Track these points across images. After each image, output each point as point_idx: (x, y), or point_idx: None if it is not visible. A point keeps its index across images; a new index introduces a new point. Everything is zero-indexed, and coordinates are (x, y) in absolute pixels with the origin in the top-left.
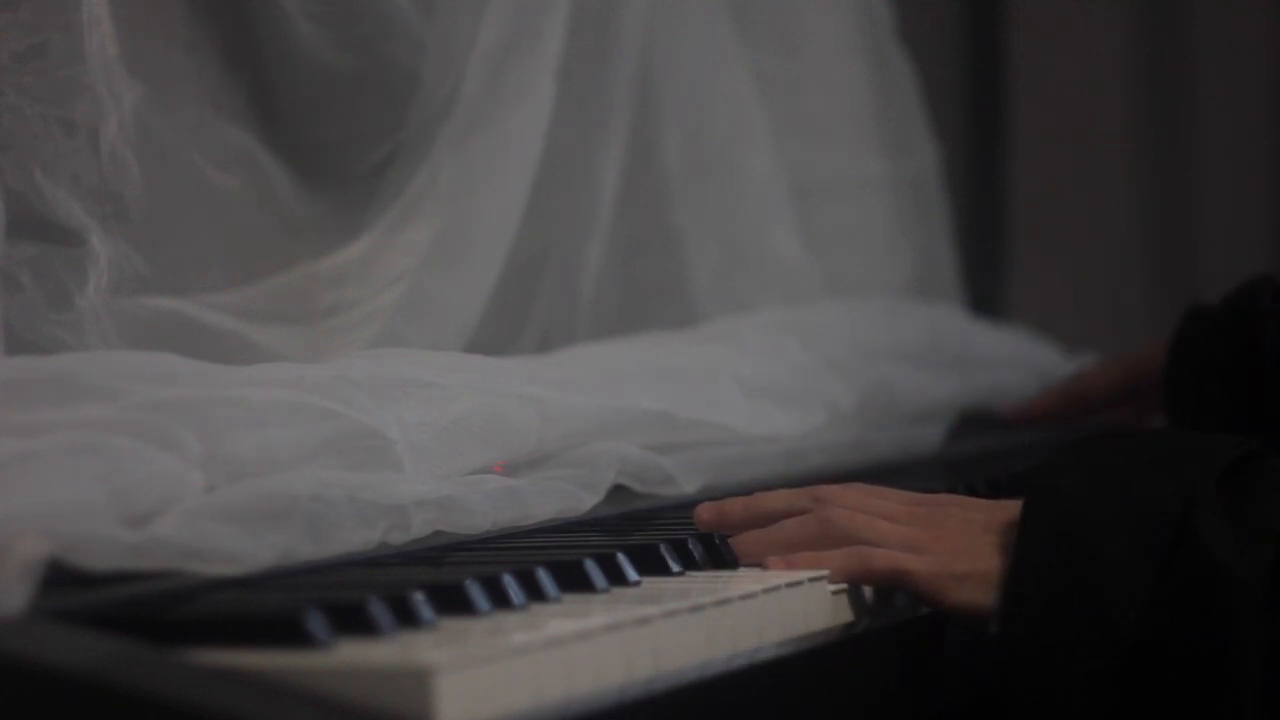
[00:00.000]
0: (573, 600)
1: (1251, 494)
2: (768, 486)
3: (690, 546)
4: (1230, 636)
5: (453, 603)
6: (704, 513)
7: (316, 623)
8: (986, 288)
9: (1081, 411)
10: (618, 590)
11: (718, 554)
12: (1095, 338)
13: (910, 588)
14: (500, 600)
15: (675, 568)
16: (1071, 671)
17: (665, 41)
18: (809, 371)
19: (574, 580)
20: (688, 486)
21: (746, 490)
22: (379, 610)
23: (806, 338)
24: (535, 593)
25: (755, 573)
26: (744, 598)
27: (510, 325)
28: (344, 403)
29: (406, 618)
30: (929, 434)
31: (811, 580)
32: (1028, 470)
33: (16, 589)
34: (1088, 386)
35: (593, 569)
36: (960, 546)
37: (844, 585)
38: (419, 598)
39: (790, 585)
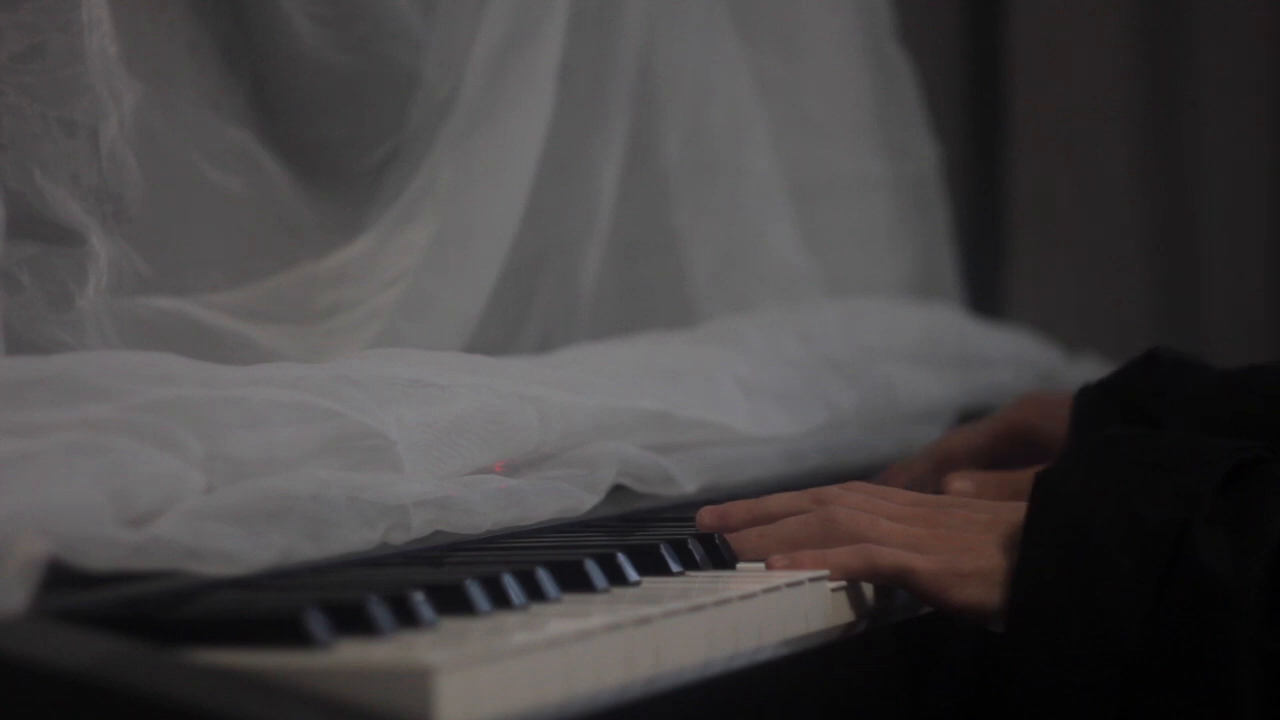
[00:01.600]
0: (573, 600)
1: (1251, 500)
2: (768, 487)
3: (690, 546)
4: (1226, 649)
5: (453, 603)
6: (706, 516)
7: (316, 623)
8: (986, 288)
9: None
10: (618, 590)
11: (718, 554)
12: (1095, 338)
13: (914, 587)
14: (500, 600)
15: (675, 568)
16: (1072, 681)
17: (665, 41)
18: (809, 371)
19: (574, 580)
20: (688, 486)
21: (747, 490)
22: (379, 610)
23: (806, 338)
24: (535, 593)
25: (755, 573)
26: (744, 598)
27: (510, 325)
28: (344, 403)
29: (406, 618)
30: (929, 434)
31: (812, 580)
32: (1032, 476)
33: (16, 589)
34: (951, 449)
35: (593, 569)
36: (964, 546)
37: (844, 584)
38: (419, 598)
39: (790, 585)
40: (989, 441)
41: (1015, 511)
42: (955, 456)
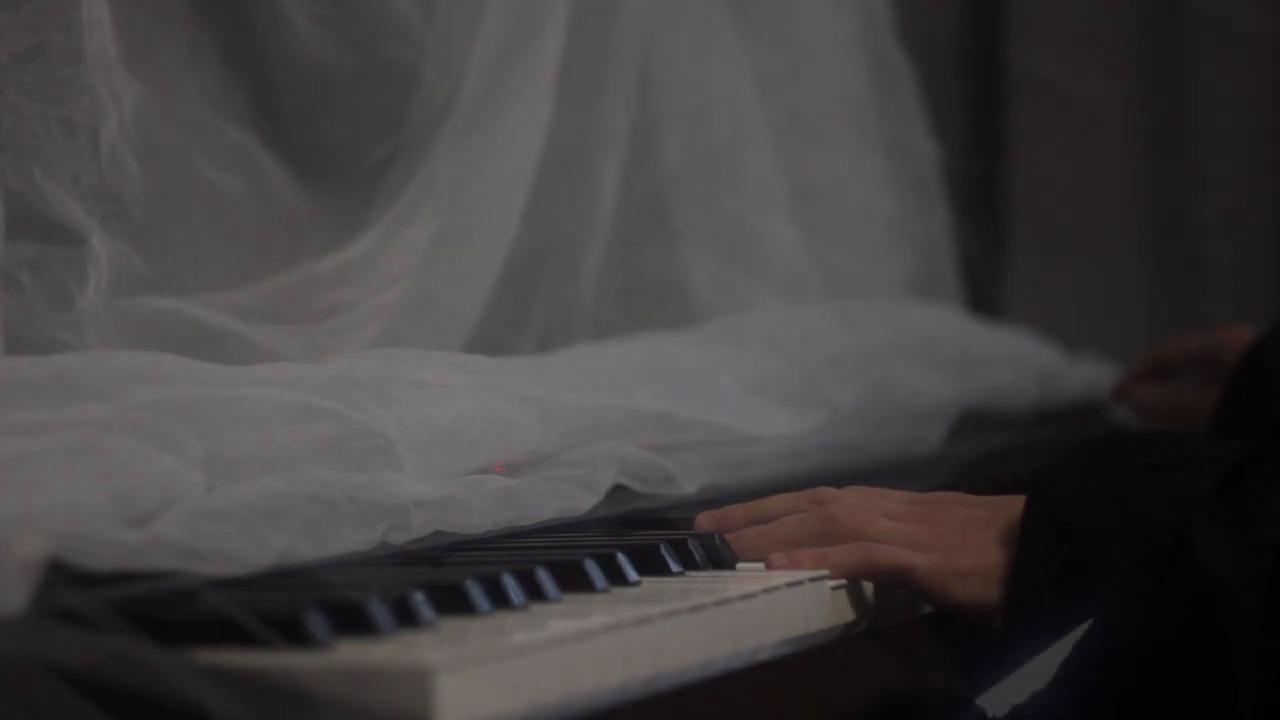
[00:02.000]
0: (573, 600)
1: (1251, 500)
2: (768, 487)
3: (690, 546)
4: (1226, 649)
5: (453, 603)
6: (704, 520)
7: (316, 623)
8: (986, 288)
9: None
10: (618, 590)
11: (718, 554)
12: (1095, 338)
13: (913, 584)
14: (500, 600)
15: (675, 568)
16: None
17: (665, 41)
18: (809, 371)
19: (574, 580)
20: (688, 486)
21: (747, 491)
22: (379, 610)
23: (806, 337)
24: (535, 593)
25: (755, 573)
26: (744, 598)
27: (510, 325)
28: (344, 403)
29: (406, 618)
30: (929, 434)
31: (812, 580)
32: (1030, 475)
33: (16, 589)
34: (1168, 349)
35: (593, 569)
36: (962, 543)
37: (843, 584)
38: (419, 598)
39: (790, 585)
40: (1199, 348)
41: (1013, 509)
42: (1171, 354)
